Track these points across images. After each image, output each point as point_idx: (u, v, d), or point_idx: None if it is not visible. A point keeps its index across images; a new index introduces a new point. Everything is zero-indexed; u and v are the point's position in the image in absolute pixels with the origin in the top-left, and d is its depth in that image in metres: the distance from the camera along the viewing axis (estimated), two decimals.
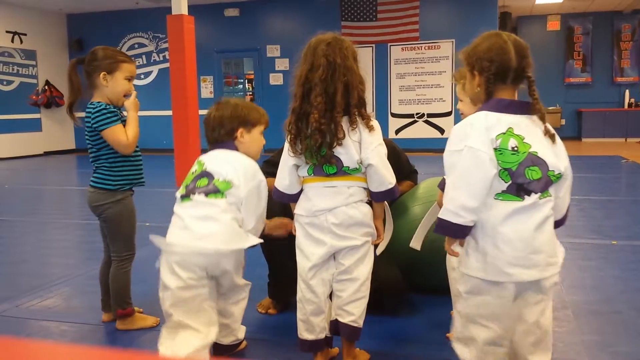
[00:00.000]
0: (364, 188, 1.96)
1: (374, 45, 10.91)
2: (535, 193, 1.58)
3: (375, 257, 2.06)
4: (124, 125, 2.34)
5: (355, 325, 2.00)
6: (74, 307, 2.81)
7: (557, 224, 1.70)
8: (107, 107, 2.31)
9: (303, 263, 1.99)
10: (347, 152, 1.86)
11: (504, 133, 1.57)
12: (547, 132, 1.62)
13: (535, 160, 1.58)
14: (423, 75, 10.81)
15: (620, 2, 11.45)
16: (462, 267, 1.65)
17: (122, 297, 2.44)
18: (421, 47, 10.62)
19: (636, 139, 12.01)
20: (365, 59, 11.24)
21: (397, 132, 10.98)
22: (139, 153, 2.46)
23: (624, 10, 12.18)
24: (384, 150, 1.91)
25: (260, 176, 2.01)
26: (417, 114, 10.89)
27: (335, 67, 1.84)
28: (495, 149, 1.56)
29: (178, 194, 2.05)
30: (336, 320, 2.02)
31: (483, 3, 10.35)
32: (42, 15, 11.88)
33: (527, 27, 12.86)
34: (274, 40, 11.35)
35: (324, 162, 1.88)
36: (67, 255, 3.93)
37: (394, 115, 11.03)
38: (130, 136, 2.32)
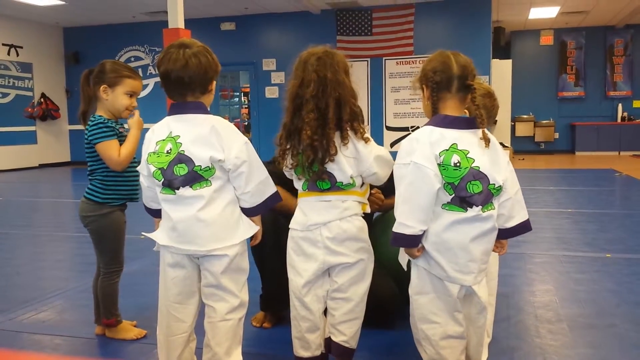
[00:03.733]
0: (359, 202, 1.96)
1: (368, 59, 10.98)
2: (477, 206, 1.71)
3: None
4: (122, 142, 2.34)
5: (347, 345, 1.98)
6: (67, 320, 2.79)
7: (506, 233, 1.83)
8: (106, 121, 2.32)
9: (296, 280, 1.97)
10: (340, 168, 1.85)
11: (447, 150, 1.70)
12: (484, 139, 1.74)
13: (476, 175, 1.70)
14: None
15: (613, 17, 11.58)
16: (409, 261, 1.82)
17: (108, 308, 2.45)
18: (416, 61, 10.69)
19: (629, 152, 12.09)
20: (360, 72, 11.38)
21: (392, 145, 11.02)
22: (136, 169, 2.46)
23: (616, 25, 12.32)
24: (382, 152, 1.92)
25: (242, 137, 1.85)
26: (411, 127, 10.94)
27: (326, 82, 1.83)
28: (439, 165, 1.69)
29: (150, 172, 1.86)
30: (329, 337, 2.01)
31: (477, 18, 10.45)
32: (38, 28, 11.91)
33: (521, 42, 12.99)
34: (270, 54, 11.41)
35: (316, 178, 1.87)
36: (60, 268, 3.91)
37: (388, 128, 11.07)
38: (123, 153, 2.30)
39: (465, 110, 1.80)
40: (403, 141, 1.78)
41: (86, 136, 2.33)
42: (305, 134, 1.82)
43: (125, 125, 2.42)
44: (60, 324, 2.73)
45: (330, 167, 1.85)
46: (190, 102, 1.87)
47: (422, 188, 1.68)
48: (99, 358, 2.37)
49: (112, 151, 2.28)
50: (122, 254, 2.47)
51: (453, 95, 1.75)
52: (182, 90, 1.86)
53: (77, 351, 2.42)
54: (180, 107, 1.88)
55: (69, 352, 2.42)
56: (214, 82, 1.89)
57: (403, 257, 1.86)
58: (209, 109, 1.92)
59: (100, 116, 2.34)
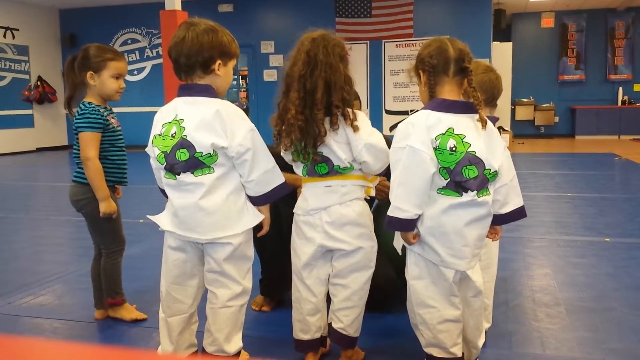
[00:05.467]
0: (361, 185, 1.94)
1: (368, 41, 10.90)
2: (472, 190, 1.70)
3: None
4: (108, 131, 2.34)
5: (344, 332, 1.98)
6: (66, 304, 2.79)
7: (500, 219, 1.81)
8: (96, 111, 2.31)
9: (296, 262, 1.99)
10: (334, 152, 1.84)
11: (443, 134, 1.68)
12: (482, 121, 1.71)
13: (472, 160, 1.69)
14: None
15: None
16: (403, 245, 1.83)
17: (112, 288, 2.47)
18: (415, 43, 10.61)
19: (630, 136, 12.06)
20: (359, 55, 11.30)
21: (391, 129, 10.99)
22: (124, 154, 2.46)
23: (617, 7, 12.22)
24: (374, 140, 1.85)
25: (248, 123, 1.80)
26: (411, 110, 10.89)
27: (316, 63, 1.80)
28: (435, 149, 1.68)
29: (154, 154, 1.84)
30: (331, 323, 2.02)
31: (477, 0, 10.35)
32: (34, 10, 11.79)
33: (521, 24, 12.89)
34: (268, 36, 11.32)
35: (313, 162, 1.86)
36: (59, 252, 3.91)
37: (388, 112, 11.03)
38: (94, 162, 2.28)
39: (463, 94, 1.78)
40: (400, 125, 1.77)
41: (74, 123, 2.33)
42: (290, 113, 1.81)
43: (113, 120, 2.42)
44: (60, 307, 2.74)
45: (325, 151, 1.84)
46: (197, 84, 1.82)
47: (418, 172, 1.67)
48: (99, 342, 2.37)
49: (90, 144, 2.29)
50: (122, 232, 2.48)
51: (450, 79, 1.74)
52: (183, 69, 1.82)
53: (77, 335, 2.42)
54: (187, 89, 1.84)
55: (68, 336, 2.42)
56: (218, 62, 1.81)
57: (398, 242, 1.86)
58: (224, 92, 1.88)
59: (90, 103, 2.33)
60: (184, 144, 1.76)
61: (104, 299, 2.50)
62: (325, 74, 1.80)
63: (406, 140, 1.69)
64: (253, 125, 1.82)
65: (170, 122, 1.81)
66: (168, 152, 1.79)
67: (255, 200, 1.87)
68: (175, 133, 1.79)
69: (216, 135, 1.75)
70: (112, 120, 2.39)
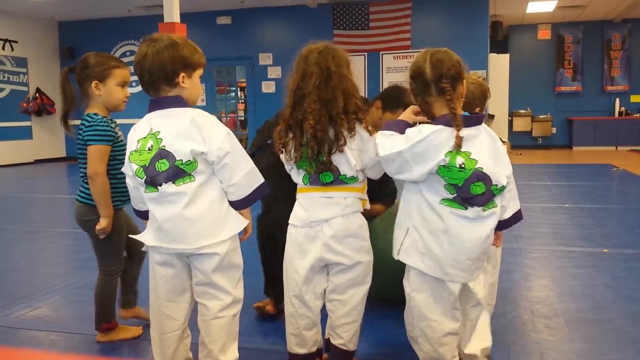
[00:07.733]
0: (360, 198, 1.94)
1: (366, 53, 10.95)
2: (479, 206, 1.70)
3: None
4: (117, 145, 2.28)
5: (345, 348, 1.98)
6: (63, 316, 2.78)
7: (500, 225, 1.82)
8: (104, 122, 2.25)
9: (295, 277, 1.94)
10: (346, 160, 1.84)
11: (451, 151, 1.68)
12: (456, 144, 1.69)
13: (480, 176, 1.68)
14: None
15: (610, 11, 11.57)
16: (405, 256, 1.81)
17: (108, 310, 2.38)
18: (413, 55, 10.59)
19: (627, 147, 12.10)
20: (357, 67, 11.22)
21: None
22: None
23: (614, 19, 12.31)
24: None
25: (223, 128, 1.82)
26: None
27: (329, 74, 1.82)
28: (443, 166, 1.67)
29: (133, 170, 1.82)
30: (329, 339, 2.01)
31: (474, 12, 10.42)
32: (33, 22, 11.84)
33: (518, 36, 12.97)
34: (266, 48, 11.36)
35: (322, 169, 1.85)
36: (57, 264, 3.90)
37: None
38: (101, 177, 2.21)
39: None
40: (415, 127, 1.78)
41: (80, 135, 2.25)
42: (308, 124, 1.80)
43: (120, 134, 2.35)
44: (57, 320, 2.72)
45: (336, 159, 1.83)
46: (167, 97, 1.83)
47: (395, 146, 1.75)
48: (96, 354, 2.36)
49: (99, 158, 2.21)
50: (122, 252, 2.42)
51: (437, 98, 1.75)
52: (149, 85, 1.83)
53: (74, 347, 2.41)
54: (158, 103, 1.85)
55: (65, 348, 2.41)
56: (182, 75, 1.81)
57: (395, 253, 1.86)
58: (195, 103, 1.88)
59: (96, 115, 2.26)
60: (163, 154, 1.77)
61: (98, 324, 2.38)
62: (340, 83, 1.83)
63: (407, 142, 1.73)
64: (229, 129, 1.84)
65: (145, 137, 1.82)
66: (147, 165, 1.79)
67: (238, 205, 1.87)
68: (152, 146, 1.79)
69: (195, 141, 1.76)
70: (120, 133, 2.33)
